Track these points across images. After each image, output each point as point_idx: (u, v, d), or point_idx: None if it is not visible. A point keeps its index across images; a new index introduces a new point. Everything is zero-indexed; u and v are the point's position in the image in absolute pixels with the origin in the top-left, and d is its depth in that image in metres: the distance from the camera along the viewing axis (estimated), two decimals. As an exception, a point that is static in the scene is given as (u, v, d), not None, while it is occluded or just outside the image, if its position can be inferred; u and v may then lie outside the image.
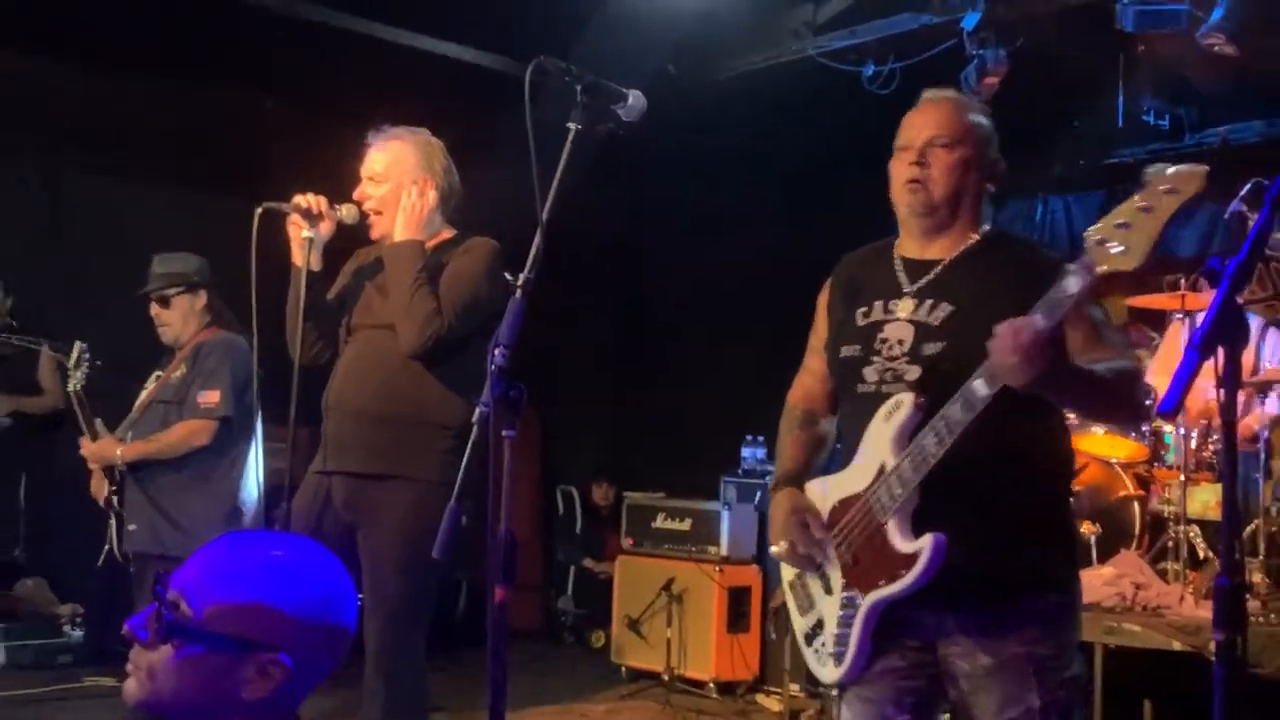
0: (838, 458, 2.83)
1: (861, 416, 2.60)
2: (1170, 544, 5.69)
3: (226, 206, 3.65)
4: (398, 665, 3.47)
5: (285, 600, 1.81)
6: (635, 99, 2.77)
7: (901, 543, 2.46)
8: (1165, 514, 5.86)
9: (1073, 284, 2.24)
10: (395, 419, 3.51)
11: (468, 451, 2.49)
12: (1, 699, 5.97)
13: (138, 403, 4.81)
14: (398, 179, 3.63)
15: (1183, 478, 5.63)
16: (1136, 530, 6.01)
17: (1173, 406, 1.75)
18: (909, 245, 2.73)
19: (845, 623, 2.57)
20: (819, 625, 2.68)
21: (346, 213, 3.65)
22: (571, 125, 2.61)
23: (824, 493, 2.70)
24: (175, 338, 4.82)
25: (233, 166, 6.22)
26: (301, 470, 3.67)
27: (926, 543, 2.40)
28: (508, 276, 2.54)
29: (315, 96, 7.00)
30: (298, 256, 3.61)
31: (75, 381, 4.73)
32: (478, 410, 2.39)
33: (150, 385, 4.82)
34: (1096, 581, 5.43)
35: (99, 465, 4.75)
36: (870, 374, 2.62)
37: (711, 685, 6.80)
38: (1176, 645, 4.86)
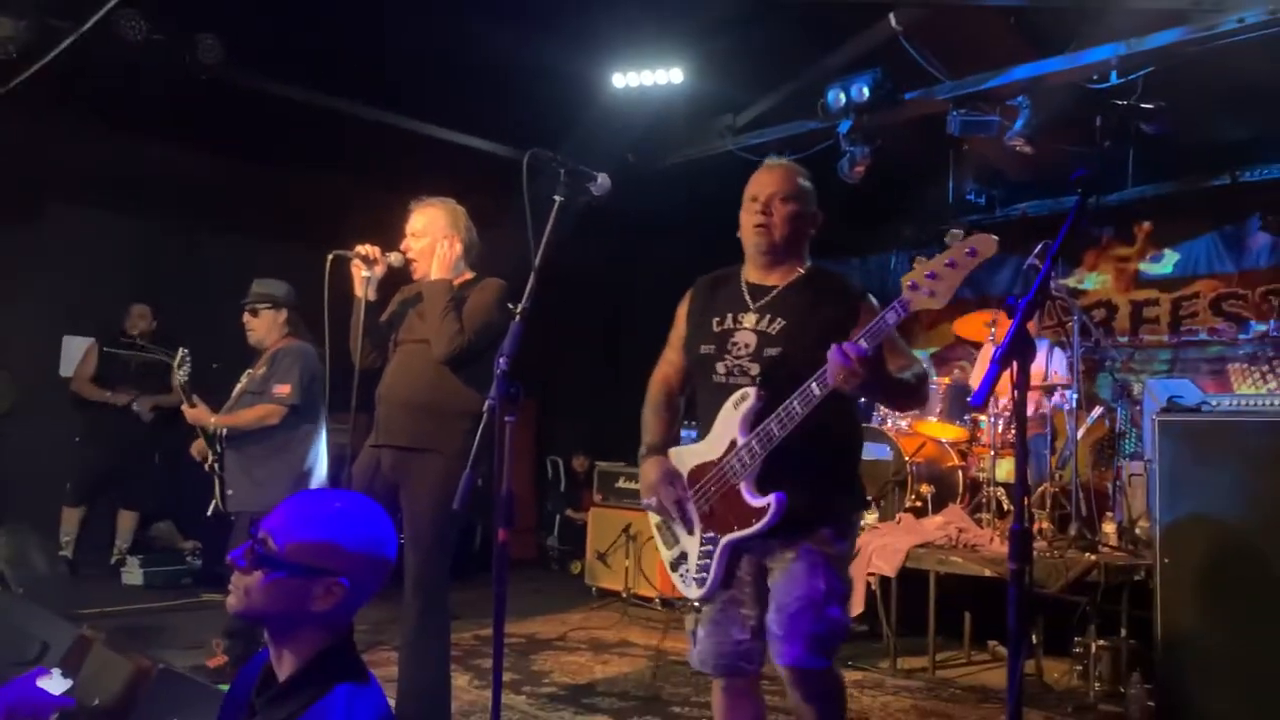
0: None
1: (715, 401, 2.58)
2: (984, 500, 5.73)
3: (313, 256, 3.63)
4: (428, 587, 3.45)
5: (345, 539, 1.80)
6: (603, 179, 2.76)
7: (752, 499, 2.47)
8: (980, 479, 5.92)
9: (891, 318, 2.25)
10: (430, 408, 3.49)
11: (479, 433, 2.48)
12: (142, 609, 5.93)
13: (234, 393, 4.81)
14: (433, 234, 3.64)
15: (992, 453, 5.67)
16: (960, 490, 6.06)
17: (981, 402, 1.77)
18: (752, 273, 2.69)
19: (707, 555, 2.59)
20: (683, 557, 2.67)
21: (394, 259, 3.65)
22: (556, 198, 2.61)
23: (684, 460, 2.68)
24: (259, 341, 4.81)
25: (317, 227, 6.19)
26: (359, 444, 3.65)
27: (772, 500, 2.44)
28: (510, 306, 2.52)
29: (376, 174, 6.98)
30: (359, 290, 3.61)
31: (181, 376, 4.70)
32: (487, 403, 2.39)
33: (243, 381, 4.83)
34: (931, 526, 5.46)
35: (201, 430, 4.78)
36: (721, 368, 2.60)
37: (657, 600, 6.79)
38: (987, 572, 4.90)
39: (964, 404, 6.10)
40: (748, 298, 2.65)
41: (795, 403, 2.38)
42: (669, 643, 5.76)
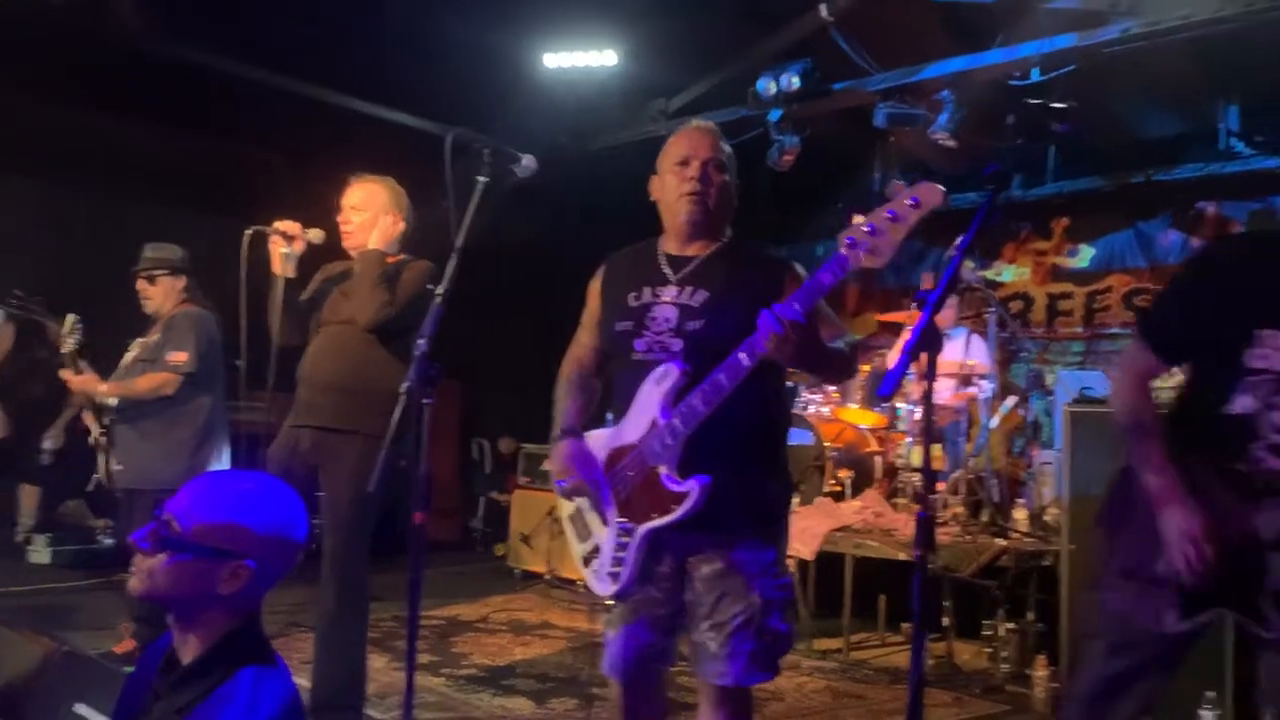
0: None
1: (634, 380, 2.38)
2: (900, 486, 5.85)
3: (231, 230, 3.55)
4: (347, 568, 3.41)
5: (253, 520, 1.78)
6: (528, 161, 2.73)
7: (672, 484, 2.27)
8: (897, 465, 6.03)
9: (827, 278, 2.05)
10: (353, 388, 3.45)
11: (396, 414, 2.44)
12: (48, 589, 5.79)
13: (123, 362, 4.57)
14: (374, 209, 3.60)
15: (909, 439, 5.79)
16: (878, 476, 6.15)
17: (888, 393, 1.81)
18: (672, 244, 2.50)
19: (622, 547, 2.37)
20: (596, 550, 2.46)
21: (315, 236, 3.60)
22: (480, 179, 2.57)
23: (601, 442, 2.48)
24: (156, 310, 4.61)
25: (236, 200, 6.06)
26: (278, 424, 3.59)
27: (694, 484, 2.24)
28: (430, 287, 2.50)
29: (298, 149, 6.84)
30: (277, 267, 3.55)
31: (71, 344, 4.49)
32: (405, 384, 2.35)
33: (133, 349, 4.59)
34: (848, 511, 5.56)
35: (86, 399, 4.59)
36: (640, 345, 2.40)
37: (579, 584, 6.80)
38: (902, 556, 5.00)
39: (884, 392, 6.22)
40: (667, 270, 2.45)
41: (721, 375, 2.19)
42: (590, 624, 5.78)
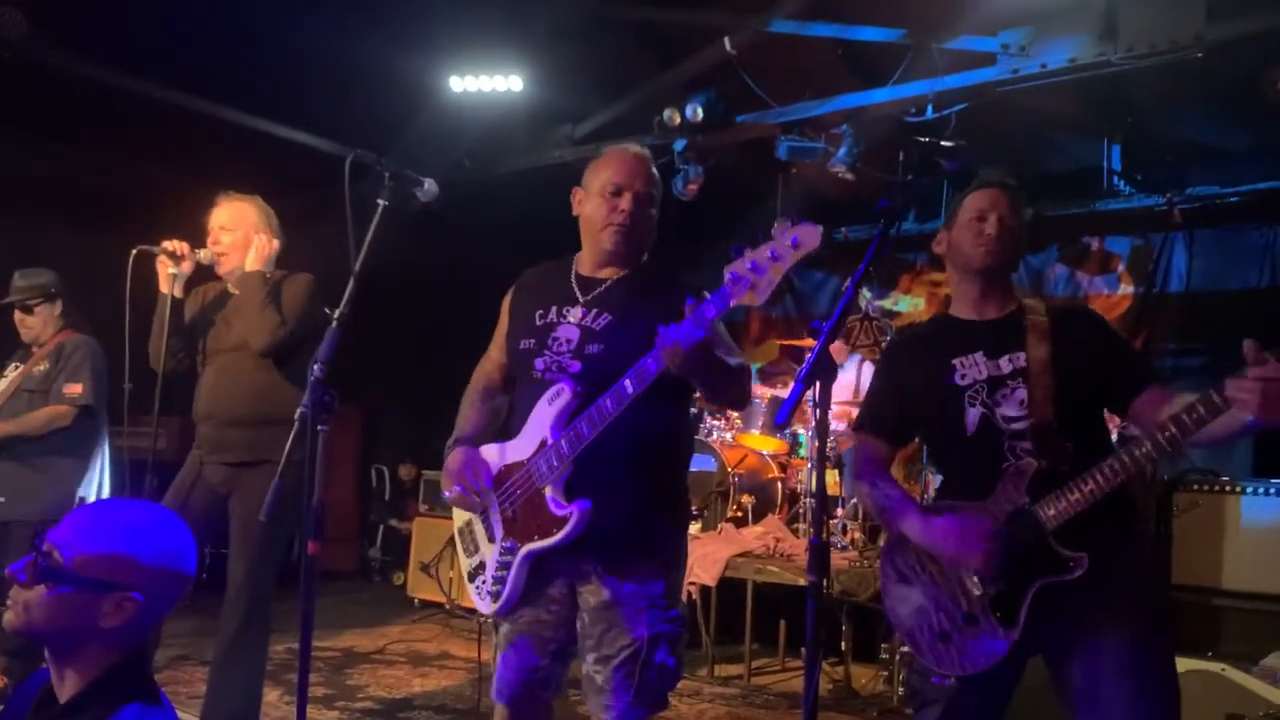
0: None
1: (531, 399, 2.40)
2: (800, 511, 5.96)
3: (115, 249, 3.46)
4: (252, 600, 3.35)
5: (140, 551, 1.73)
6: (430, 185, 2.72)
7: (556, 507, 2.28)
8: (798, 490, 6.14)
9: (710, 311, 2.08)
10: (259, 419, 3.40)
11: (289, 441, 2.41)
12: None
13: None
14: (244, 228, 3.57)
15: (810, 465, 5.90)
16: (779, 501, 6.26)
17: (783, 420, 1.84)
18: (586, 265, 2.52)
19: (504, 566, 2.38)
20: (481, 566, 2.46)
21: (204, 255, 3.56)
22: (380, 202, 2.56)
23: (495, 457, 2.47)
24: (35, 337, 4.50)
25: (122, 218, 5.86)
26: (168, 452, 3.52)
27: (574, 510, 2.25)
28: (326, 310, 2.47)
29: (188, 166, 6.66)
30: (164, 287, 3.48)
31: None
32: (299, 410, 2.32)
33: (9, 375, 4.45)
34: (750, 536, 5.64)
35: None
36: (540, 364, 2.42)
37: (481, 614, 6.73)
38: (801, 581, 5.09)
39: (785, 419, 6.34)
40: (577, 290, 2.48)
41: (607, 399, 2.21)
42: (490, 655, 5.72)
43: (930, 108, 5.57)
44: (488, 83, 6.35)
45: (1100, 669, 2.12)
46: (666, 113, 6.21)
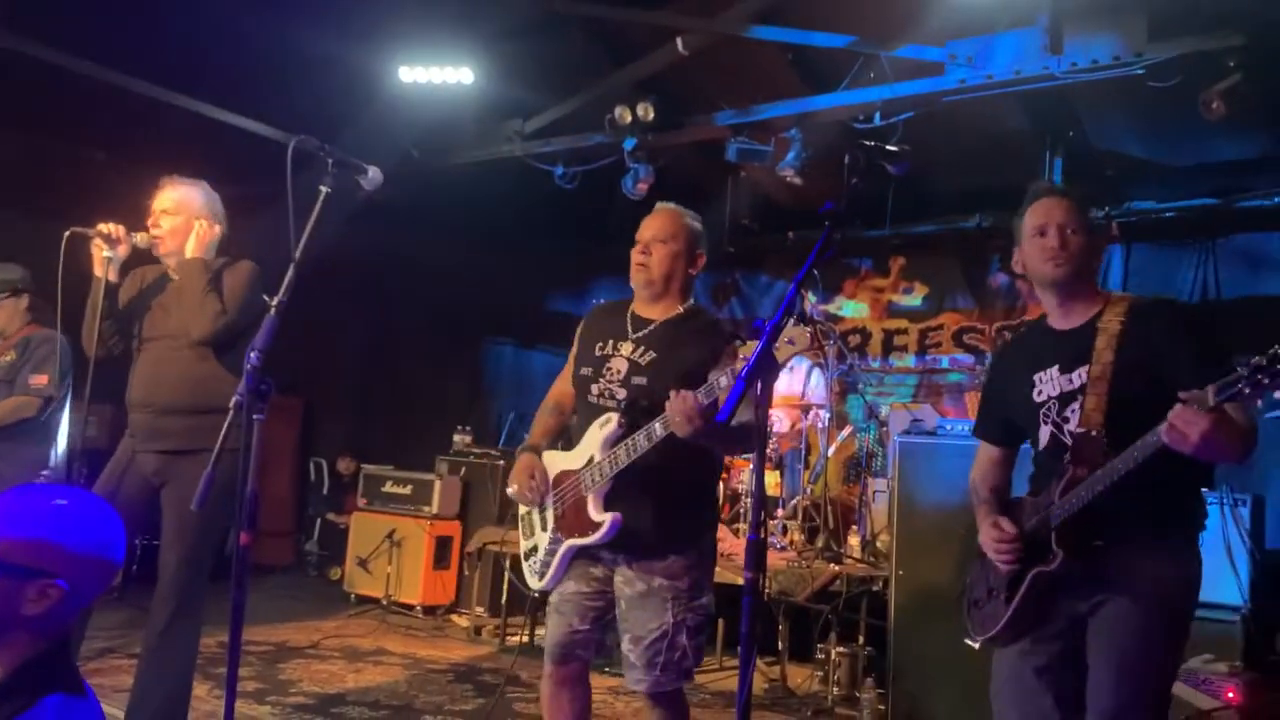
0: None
1: (586, 419, 2.83)
2: (741, 511, 6.01)
3: (46, 231, 3.39)
4: (184, 592, 3.30)
5: (66, 538, 1.70)
6: (374, 173, 2.72)
7: (595, 513, 2.74)
8: (740, 490, 6.19)
9: (724, 381, 2.42)
10: (195, 408, 3.33)
11: (224, 430, 2.38)
12: None
13: None
14: (187, 213, 3.50)
15: (751, 466, 5.94)
16: (721, 501, 6.30)
17: (725, 419, 1.87)
18: (640, 306, 2.92)
19: (551, 553, 2.86)
20: (534, 549, 2.93)
21: (141, 239, 3.48)
22: (322, 189, 2.54)
23: (554, 463, 2.91)
24: (0, 331, 4.56)
25: (60, 201, 5.74)
26: (100, 438, 3.44)
27: (608, 519, 2.70)
28: (265, 298, 2.43)
29: (128, 149, 6.53)
30: (99, 270, 3.40)
31: None
32: (234, 398, 2.30)
33: None
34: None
35: None
36: (595, 390, 2.84)
37: (419, 608, 6.69)
38: (739, 581, 5.13)
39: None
40: (629, 327, 2.89)
41: (640, 436, 2.64)
42: (426, 650, 5.69)
43: (878, 115, 5.63)
44: (438, 74, 6.30)
45: (1093, 670, 2.27)
46: (617, 110, 6.21)
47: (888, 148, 4.95)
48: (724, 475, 6.37)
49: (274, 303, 2.39)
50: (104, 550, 1.74)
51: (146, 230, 3.48)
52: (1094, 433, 2.26)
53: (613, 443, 2.73)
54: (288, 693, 4.60)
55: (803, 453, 6.23)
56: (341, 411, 9.05)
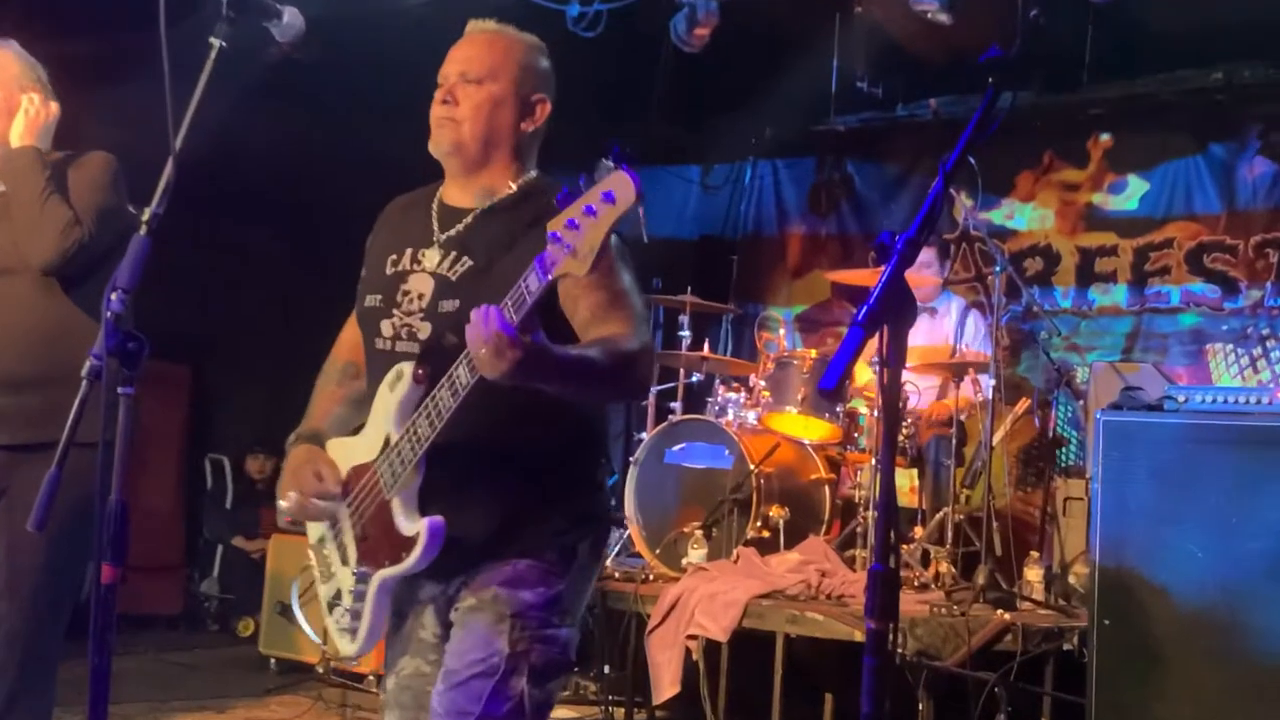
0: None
1: (377, 376, 2.68)
2: (859, 530, 5.99)
3: None
4: (29, 651, 3.35)
5: None
6: (291, 16, 2.71)
7: (405, 523, 2.55)
8: (856, 498, 6.16)
9: (533, 283, 2.29)
10: (51, 375, 3.34)
11: (74, 409, 2.40)
12: None
13: None
14: (3, 86, 3.52)
15: (874, 461, 5.92)
16: (826, 515, 6.29)
17: (833, 385, 1.83)
18: (451, 191, 2.79)
19: (359, 597, 2.66)
20: (338, 595, 2.74)
21: None
22: (214, 41, 2.53)
23: (344, 456, 2.74)
24: None
25: None
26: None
27: (423, 527, 2.50)
28: (133, 210, 2.45)
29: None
30: None
31: None
32: (88, 363, 2.31)
33: None
34: (781, 568, 5.66)
35: None
36: (387, 328, 2.69)
37: (372, 678, 6.74)
38: (859, 636, 5.12)
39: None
40: (436, 225, 2.74)
41: (444, 392, 2.46)
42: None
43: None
44: None
45: None
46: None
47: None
48: (831, 476, 6.35)
49: (145, 217, 2.40)
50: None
51: None
52: None
53: (411, 409, 2.55)
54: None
55: (954, 442, 6.19)
56: (249, 385, 9.15)
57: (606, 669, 6.02)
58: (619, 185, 2.21)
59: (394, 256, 2.75)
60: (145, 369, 2.36)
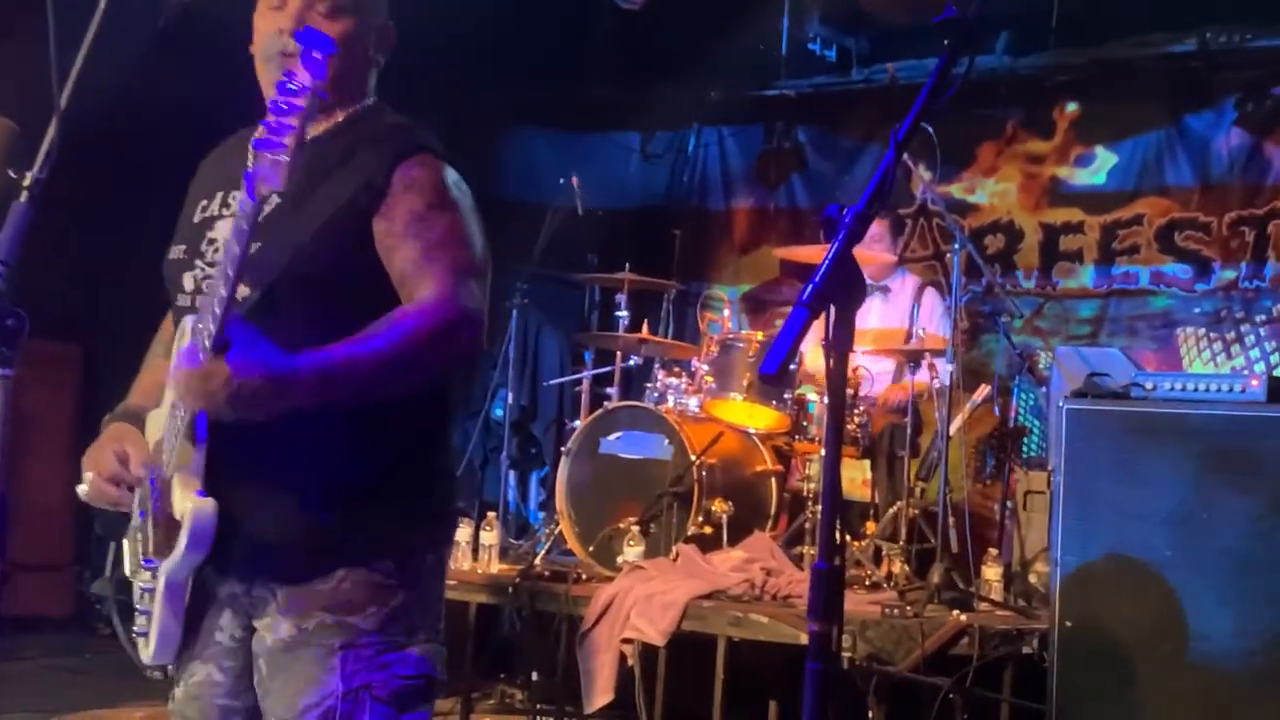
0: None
1: (178, 338, 2.50)
2: (808, 525, 6.00)
3: None
4: None
5: None
6: None
7: (177, 504, 2.38)
8: (804, 492, 6.18)
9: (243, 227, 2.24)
10: None
11: None
12: None
13: None
14: None
15: (823, 452, 5.93)
16: (773, 509, 6.30)
17: (774, 369, 1.81)
18: None
19: (148, 593, 2.51)
20: (142, 596, 2.58)
21: None
22: (105, -12, 2.51)
23: (155, 430, 2.56)
24: None
25: None
26: None
27: (189, 510, 2.33)
28: (12, 175, 2.40)
29: None
30: None
31: None
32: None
33: None
34: (724, 566, 5.67)
35: None
36: (188, 282, 2.55)
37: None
38: (804, 638, 5.13)
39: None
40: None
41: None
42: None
43: None
44: None
45: None
46: None
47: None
48: (777, 467, 6.37)
49: (26, 181, 2.37)
50: None
51: None
52: None
53: None
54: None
55: (909, 431, 6.21)
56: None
57: (535, 675, 6.02)
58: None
59: (204, 202, 2.64)
60: (29, 349, 2.33)
